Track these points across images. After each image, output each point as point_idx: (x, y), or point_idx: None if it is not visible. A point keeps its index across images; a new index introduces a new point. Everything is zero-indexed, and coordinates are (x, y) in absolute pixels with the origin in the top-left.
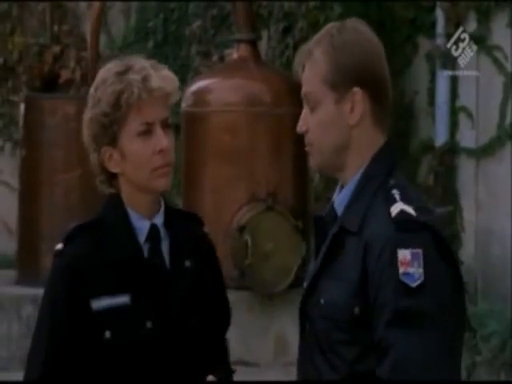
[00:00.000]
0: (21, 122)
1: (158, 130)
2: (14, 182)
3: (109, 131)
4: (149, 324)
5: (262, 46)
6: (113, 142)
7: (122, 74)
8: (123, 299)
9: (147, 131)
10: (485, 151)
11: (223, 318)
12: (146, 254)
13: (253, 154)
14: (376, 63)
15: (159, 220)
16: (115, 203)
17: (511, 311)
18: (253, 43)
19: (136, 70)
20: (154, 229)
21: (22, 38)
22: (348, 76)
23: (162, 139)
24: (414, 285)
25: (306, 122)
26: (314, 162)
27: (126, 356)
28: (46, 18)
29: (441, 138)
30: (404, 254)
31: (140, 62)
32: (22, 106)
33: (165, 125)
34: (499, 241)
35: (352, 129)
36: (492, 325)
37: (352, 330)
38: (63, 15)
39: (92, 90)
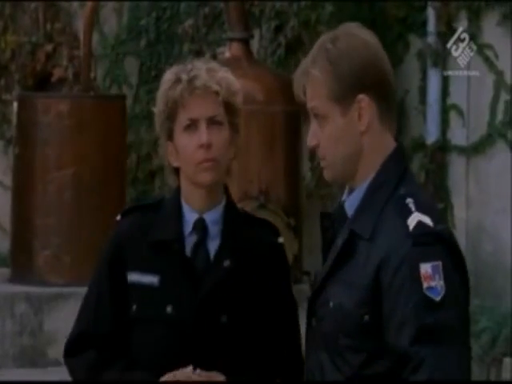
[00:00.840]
0: (14, 120)
1: (202, 127)
2: (7, 180)
3: (165, 127)
4: (169, 309)
5: (254, 44)
6: (170, 137)
7: (177, 73)
8: (152, 279)
9: (192, 126)
10: (476, 149)
11: (285, 329)
12: (190, 245)
13: (245, 152)
14: (376, 64)
15: (211, 216)
16: (174, 194)
17: (502, 308)
18: (245, 42)
19: (188, 70)
20: (199, 222)
21: (15, 37)
22: (350, 85)
23: (203, 135)
24: (438, 298)
25: (316, 136)
26: (328, 174)
27: (145, 333)
28: (39, 17)
29: (432, 136)
30: (426, 269)
31: (197, 64)
32: (15, 105)
33: (212, 122)
34: (490, 238)
35: (362, 135)
36: (483, 321)
37: (360, 337)
38: (56, 14)
39: None
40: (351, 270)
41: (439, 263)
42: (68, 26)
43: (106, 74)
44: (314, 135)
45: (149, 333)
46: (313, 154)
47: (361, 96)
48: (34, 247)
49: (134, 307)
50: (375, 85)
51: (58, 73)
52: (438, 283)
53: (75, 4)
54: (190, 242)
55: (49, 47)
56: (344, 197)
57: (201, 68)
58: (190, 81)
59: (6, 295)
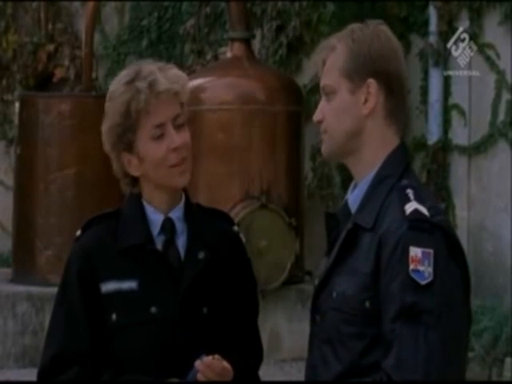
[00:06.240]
0: (16, 120)
1: (170, 130)
2: (8, 180)
3: (123, 139)
4: (153, 309)
5: (256, 44)
6: (129, 148)
7: (130, 82)
8: (131, 284)
9: (160, 134)
10: (477, 149)
11: (250, 310)
12: (159, 245)
13: (247, 152)
14: (392, 58)
15: (176, 214)
16: (134, 199)
17: (503, 307)
18: (246, 41)
19: (143, 77)
20: (167, 222)
21: (16, 37)
22: (364, 66)
23: (174, 138)
24: (423, 282)
25: (323, 111)
26: (325, 148)
27: (131, 339)
28: (40, 17)
29: (433, 136)
30: (415, 252)
31: (147, 67)
32: (17, 105)
33: (176, 122)
34: (491, 237)
35: (365, 119)
36: (484, 321)
37: (361, 324)
38: (57, 13)
39: (106, 101)
40: (354, 259)
41: (431, 251)
42: (69, 26)
43: (108, 73)
44: (320, 111)
45: (134, 337)
46: (314, 152)
47: (370, 80)
48: (35, 247)
49: (114, 316)
50: (387, 75)
51: (59, 73)
52: (426, 269)
53: (76, 4)
54: (160, 241)
55: (50, 47)
56: (348, 195)
57: (153, 70)
58: (151, 87)
59: (8, 295)
